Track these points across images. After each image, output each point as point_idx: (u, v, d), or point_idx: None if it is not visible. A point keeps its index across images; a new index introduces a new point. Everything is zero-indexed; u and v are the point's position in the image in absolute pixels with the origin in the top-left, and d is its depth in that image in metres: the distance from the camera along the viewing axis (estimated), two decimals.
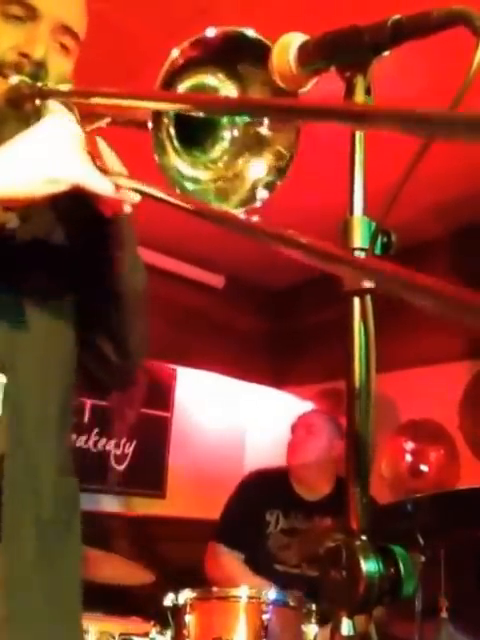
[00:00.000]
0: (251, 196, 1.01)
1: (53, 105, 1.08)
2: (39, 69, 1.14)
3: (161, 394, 4.18)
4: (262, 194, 1.01)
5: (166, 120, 0.94)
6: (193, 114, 0.98)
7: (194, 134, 0.99)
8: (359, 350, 0.73)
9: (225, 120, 1.01)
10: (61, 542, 1.23)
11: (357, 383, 0.72)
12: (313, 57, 0.81)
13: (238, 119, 1.00)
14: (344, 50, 0.78)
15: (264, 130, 0.99)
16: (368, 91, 0.77)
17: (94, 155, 1.02)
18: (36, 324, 1.20)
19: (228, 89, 0.98)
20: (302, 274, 4.21)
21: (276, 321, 4.52)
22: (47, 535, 1.19)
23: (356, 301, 0.74)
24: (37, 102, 1.10)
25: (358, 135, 0.78)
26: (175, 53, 0.91)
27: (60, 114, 1.04)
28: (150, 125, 0.92)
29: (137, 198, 1.05)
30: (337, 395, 3.86)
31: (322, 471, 3.15)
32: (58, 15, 1.17)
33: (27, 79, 1.12)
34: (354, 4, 1.46)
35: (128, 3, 2.21)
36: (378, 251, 0.75)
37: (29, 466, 1.18)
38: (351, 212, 0.76)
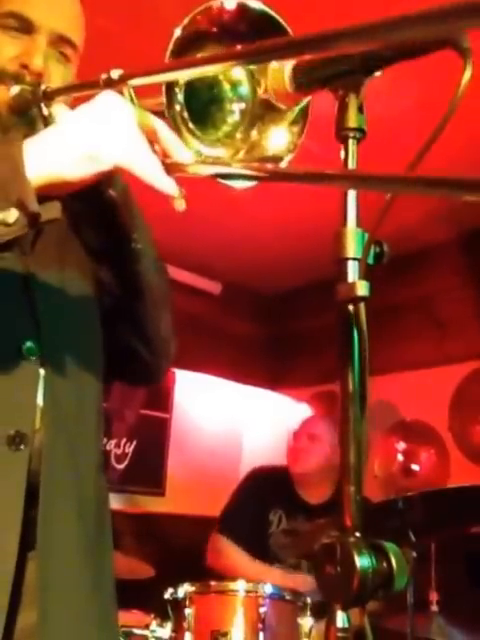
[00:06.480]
0: (275, 162, 0.98)
1: (58, 109, 1.07)
2: (39, 79, 1.13)
3: (161, 396, 4.19)
4: (286, 158, 0.98)
5: (178, 106, 0.93)
6: (201, 86, 0.95)
7: (205, 115, 0.97)
8: (353, 354, 0.74)
9: (230, 94, 0.98)
10: (100, 544, 1.20)
11: (351, 386, 0.73)
12: (307, 76, 0.83)
13: (243, 91, 0.97)
14: (337, 70, 0.78)
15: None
16: (360, 109, 0.77)
17: (152, 138, 0.95)
18: (70, 320, 1.21)
19: (234, 71, 0.97)
20: (297, 280, 4.22)
21: (272, 326, 4.53)
22: (88, 538, 1.16)
23: (350, 307, 0.74)
24: (43, 108, 1.09)
25: (351, 147, 0.78)
26: (185, 21, 0.89)
27: (111, 93, 0.95)
28: (166, 113, 0.91)
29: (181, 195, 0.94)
30: (331, 397, 3.88)
31: (324, 477, 3.11)
32: (54, 26, 1.17)
33: (28, 88, 1.12)
34: (349, 16, 1.50)
35: (129, 20, 2.18)
36: (371, 261, 0.76)
37: (71, 461, 1.15)
38: (344, 223, 0.76)
